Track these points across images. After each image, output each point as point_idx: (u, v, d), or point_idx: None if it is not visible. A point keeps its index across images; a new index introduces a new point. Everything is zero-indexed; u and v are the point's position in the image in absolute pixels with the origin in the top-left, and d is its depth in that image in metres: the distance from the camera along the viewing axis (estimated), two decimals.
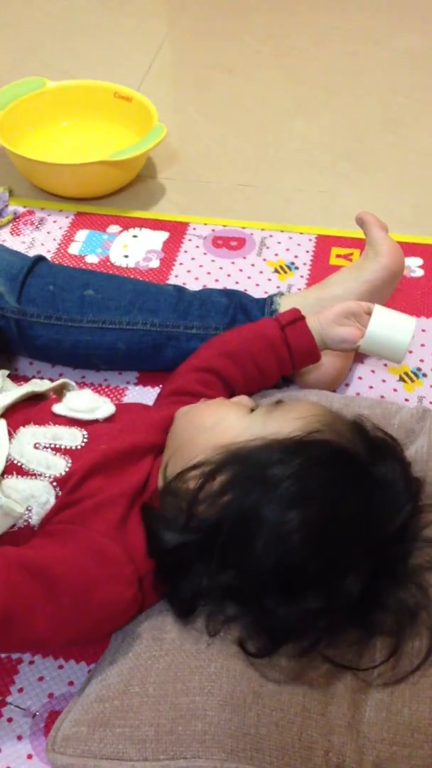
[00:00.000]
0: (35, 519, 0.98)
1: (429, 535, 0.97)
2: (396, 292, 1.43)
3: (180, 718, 0.88)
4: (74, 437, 1.03)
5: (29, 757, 0.97)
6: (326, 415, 0.97)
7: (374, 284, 1.31)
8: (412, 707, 0.89)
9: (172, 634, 0.94)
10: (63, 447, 1.02)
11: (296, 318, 1.19)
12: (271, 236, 1.62)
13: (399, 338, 1.18)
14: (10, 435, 1.03)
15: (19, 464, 1.01)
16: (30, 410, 1.09)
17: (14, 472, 1.00)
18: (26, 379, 1.30)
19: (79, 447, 1.02)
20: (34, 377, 1.35)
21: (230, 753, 0.85)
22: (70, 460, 1.00)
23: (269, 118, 1.97)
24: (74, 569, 0.92)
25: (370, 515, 0.91)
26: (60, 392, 1.15)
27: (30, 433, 1.03)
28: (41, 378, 1.36)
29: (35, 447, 1.02)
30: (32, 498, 0.98)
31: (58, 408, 1.07)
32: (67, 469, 0.99)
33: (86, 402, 1.08)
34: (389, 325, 1.18)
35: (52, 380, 1.36)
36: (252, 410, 1.01)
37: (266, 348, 1.19)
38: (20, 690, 1.02)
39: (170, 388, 1.19)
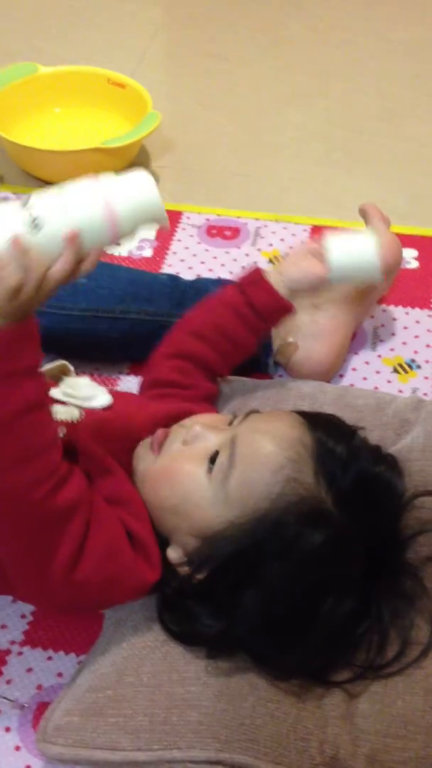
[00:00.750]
0: None
1: (426, 526, 0.97)
2: None
3: (175, 707, 0.87)
4: (71, 413, 1.01)
5: (17, 748, 0.97)
6: (288, 468, 0.89)
7: None
8: (406, 699, 0.89)
9: None
10: (59, 420, 1.00)
11: (256, 277, 1.15)
12: (265, 226, 1.61)
13: (365, 255, 1.13)
14: None
15: None
16: None
17: None
18: None
19: (75, 422, 1.00)
20: None
21: (225, 743, 0.85)
22: (65, 430, 0.98)
23: (264, 107, 1.96)
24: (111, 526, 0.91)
25: (362, 552, 0.90)
26: (57, 377, 1.13)
27: None
28: None
29: None
30: None
31: (54, 392, 1.05)
32: (61, 437, 0.95)
33: (84, 389, 1.06)
34: (348, 246, 1.13)
35: None
36: (211, 460, 0.92)
37: (232, 316, 1.14)
38: (8, 681, 1.01)
39: (148, 380, 1.17)
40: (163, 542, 0.94)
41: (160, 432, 0.99)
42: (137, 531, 0.92)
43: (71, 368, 1.15)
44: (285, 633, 0.89)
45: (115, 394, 1.08)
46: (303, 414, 0.97)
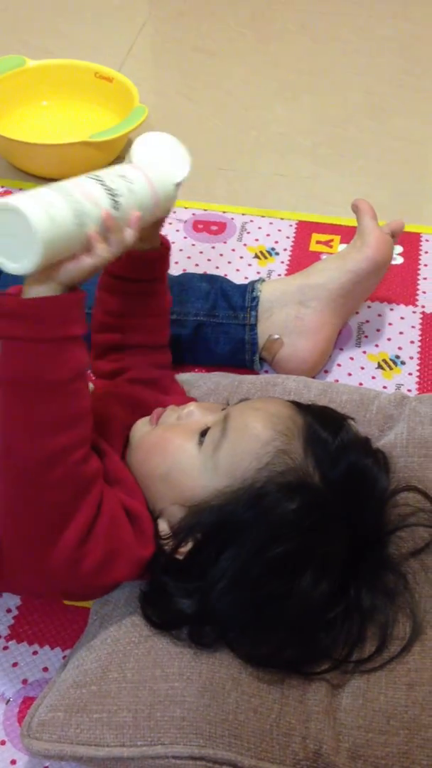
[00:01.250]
0: None
1: (409, 520, 0.98)
2: None
3: (158, 703, 0.87)
4: None
5: (2, 743, 0.97)
6: (278, 441, 0.90)
7: (357, 274, 1.31)
8: (388, 694, 0.89)
9: None
10: None
11: None
12: (251, 221, 1.62)
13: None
14: None
15: None
16: None
17: None
18: None
19: None
20: None
21: (208, 739, 0.85)
22: None
23: (251, 102, 1.96)
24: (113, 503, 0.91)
25: (340, 535, 0.90)
26: None
27: None
28: None
29: None
30: None
31: None
32: None
33: None
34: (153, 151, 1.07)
35: None
36: (202, 434, 0.94)
37: (107, 296, 1.13)
38: None
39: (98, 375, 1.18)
40: (154, 519, 0.95)
41: (158, 408, 1.01)
42: (133, 507, 0.93)
43: None
44: (261, 608, 0.88)
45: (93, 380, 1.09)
46: (296, 402, 0.98)
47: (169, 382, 1.18)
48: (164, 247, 1.13)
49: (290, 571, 0.87)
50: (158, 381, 1.16)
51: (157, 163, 1.01)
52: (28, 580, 0.94)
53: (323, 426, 0.93)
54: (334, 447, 0.92)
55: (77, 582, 0.91)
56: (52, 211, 0.82)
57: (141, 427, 1.01)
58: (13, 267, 0.82)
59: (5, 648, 1.04)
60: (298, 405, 0.97)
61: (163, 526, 0.94)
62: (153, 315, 1.16)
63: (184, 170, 1.04)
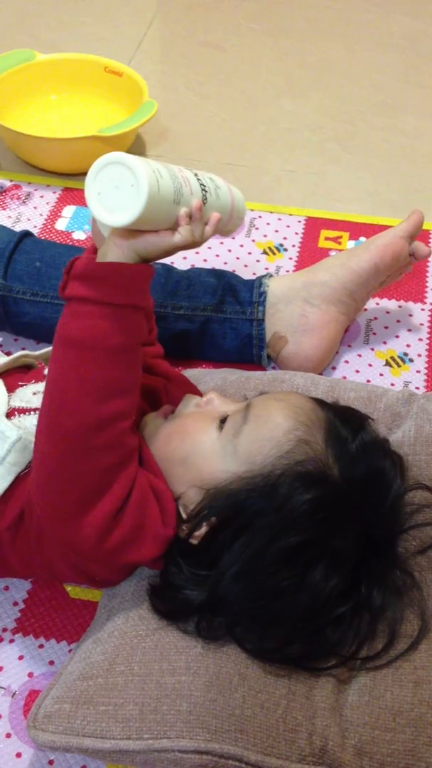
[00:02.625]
0: None
1: (417, 518, 0.98)
2: None
3: (165, 697, 0.87)
4: None
5: (8, 736, 0.97)
6: (299, 430, 0.91)
7: (359, 275, 1.30)
8: (394, 692, 0.89)
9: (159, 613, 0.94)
10: None
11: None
12: (260, 217, 1.62)
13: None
14: (10, 391, 1.03)
15: (21, 407, 1.00)
16: (24, 375, 1.08)
17: (17, 414, 1.00)
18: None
19: None
20: None
21: (214, 733, 0.85)
22: None
23: (260, 97, 1.96)
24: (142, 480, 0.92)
25: (353, 531, 0.90)
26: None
27: (29, 389, 1.03)
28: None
29: (34, 394, 1.02)
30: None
31: (13, 401, 1.05)
32: None
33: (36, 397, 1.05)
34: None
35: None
36: (222, 421, 0.94)
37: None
38: (0, 668, 1.02)
39: None
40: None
41: (166, 406, 1.02)
42: (157, 485, 0.93)
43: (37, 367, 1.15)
44: (271, 598, 0.88)
45: None
46: (318, 399, 0.98)
47: (167, 368, 1.17)
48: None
49: (302, 562, 0.87)
50: (156, 368, 1.14)
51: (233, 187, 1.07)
52: (53, 547, 0.95)
53: (344, 424, 0.94)
54: (354, 446, 0.92)
55: (102, 555, 0.91)
56: (160, 180, 0.87)
57: (151, 421, 1.01)
58: (109, 218, 0.85)
59: (11, 641, 1.04)
60: (320, 402, 0.97)
61: (180, 510, 0.94)
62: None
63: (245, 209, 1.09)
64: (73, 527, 0.88)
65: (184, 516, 0.93)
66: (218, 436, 0.93)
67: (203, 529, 0.91)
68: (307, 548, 0.88)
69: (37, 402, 1.00)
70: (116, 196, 0.85)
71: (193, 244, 0.92)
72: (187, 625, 0.92)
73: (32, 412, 1.01)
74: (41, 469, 0.89)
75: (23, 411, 1.01)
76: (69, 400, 0.86)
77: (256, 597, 0.89)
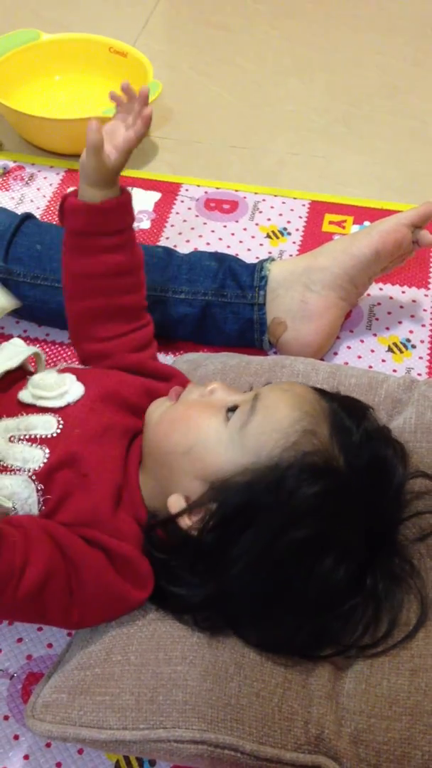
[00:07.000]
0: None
1: (416, 505, 0.97)
2: None
3: (161, 687, 0.87)
4: (49, 425, 0.98)
5: (5, 718, 0.98)
6: (305, 421, 0.90)
7: (360, 260, 1.29)
8: (391, 680, 0.89)
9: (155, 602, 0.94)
10: (38, 437, 0.97)
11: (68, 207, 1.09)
12: (264, 200, 1.61)
13: None
14: None
15: None
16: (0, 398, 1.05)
17: None
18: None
19: (54, 435, 0.98)
20: (20, 336, 1.34)
21: (210, 723, 0.85)
22: (47, 450, 0.96)
23: (265, 78, 1.94)
24: (94, 567, 0.90)
25: (360, 523, 0.90)
26: (35, 361, 1.12)
27: (3, 427, 0.99)
28: (26, 337, 1.35)
29: (10, 440, 0.98)
30: (14, 495, 0.94)
31: (24, 396, 1.02)
32: (45, 461, 0.95)
33: (52, 385, 1.02)
34: None
35: (38, 340, 1.34)
36: (229, 410, 0.94)
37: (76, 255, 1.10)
38: None
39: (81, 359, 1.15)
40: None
41: (177, 387, 1.01)
42: (119, 549, 0.91)
43: (43, 357, 1.12)
44: (279, 590, 0.87)
45: (82, 376, 1.04)
46: (320, 390, 0.98)
47: (153, 363, 1.14)
48: (125, 194, 1.10)
49: (310, 555, 0.87)
50: (142, 365, 1.11)
51: None
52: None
53: (347, 414, 0.94)
54: (358, 435, 0.92)
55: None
56: None
57: (159, 405, 1.00)
58: None
59: (10, 623, 1.04)
60: (322, 392, 0.97)
61: (180, 501, 0.92)
62: (125, 272, 1.11)
63: None
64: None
65: (185, 505, 0.92)
66: (225, 427, 0.92)
67: (204, 520, 0.90)
68: (314, 541, 0.87)
69: (12, 458, 0.97)
70: None
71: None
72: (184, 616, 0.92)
73: (5, 473, 0.97)
74: None
75: None
76: None
77: (264, 591, 0.88)
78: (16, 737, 0.96)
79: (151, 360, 1.14)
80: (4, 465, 0.96)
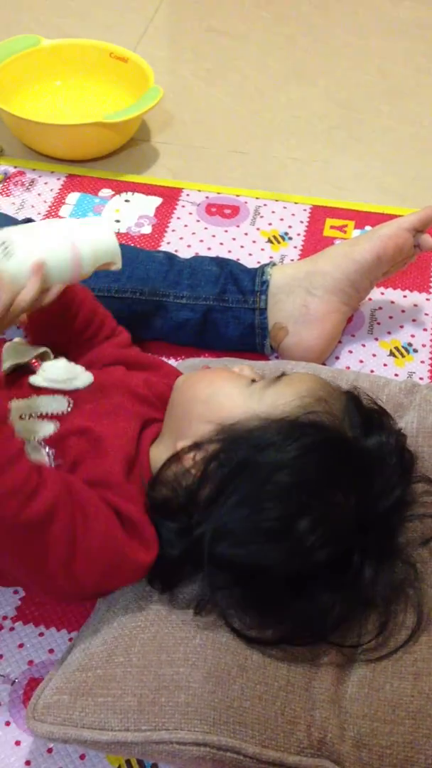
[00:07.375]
0: None
1: (419, 510, 0.97)
2: None
3: (163, 689, 0.87)
4: (60, 403, 1.02)
5: (7, 724, 0.97)
6: (322, 392, 0.95)
7: (362, 265, 1.29)
8: (394, 684, 0.89)
9: (158, 604, 0.94)
10: (50, 413, 1.01)
11: None
12: (265, 205, 1.61)
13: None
14: None
15: None
16: (11, 386, 1.06)
17: None
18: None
19: (65, 412, 1.01)
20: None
21: (213, 725, 0.85)
22: (58, 423, 0.99)
23: (266, 84, 1.95)
24: (102, 519, 0.90)
25: (361, 496, 0.90)
26: (41, 356, 1.13)
27: (14, 407, 1.01)
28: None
29: (21, 418, 1.00)
30: None
31: (35, 380, 1.04)
32: (56, 430, 0.98)
33: (62, 372, 1.05)
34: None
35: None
36: (253, 381, 0.99)
37: None
38: (0, 657, 1.02)
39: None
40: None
41: (203, 367, 1.07)
42: (128, 511, 0.92)
43: (51, 355, 1.12)
44: (258, 538, 0.88)
45: (89, 369, 1.07)
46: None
47: (143, 356, 1.17)
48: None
49: (294, 504, 0.87)
50: (132, 359, 1.14)
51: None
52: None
53: (358, 408, 0.97)
54: (370, 424, 0.96)
55: (82, 595, 0.96)
56: None
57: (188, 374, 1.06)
58: None
59: (12, 629, 1.04)
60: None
61: (186, 442, 0.94)
62: (85, 322, 1.14)
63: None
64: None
65: (191, 442, 0.94)
66: (246, 385, 0.98)
67: (210, 461, 0.91)
68: (301, 490, 0.88)
69: (24, 431, 0.98)
70: None
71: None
72: (186, 616, 0.92)
73: None
74: None
75: None
76: None
77: (243, 530, 0.88)
78: (18, 743, 0.96)
79: (132, 350, 1.16)
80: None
